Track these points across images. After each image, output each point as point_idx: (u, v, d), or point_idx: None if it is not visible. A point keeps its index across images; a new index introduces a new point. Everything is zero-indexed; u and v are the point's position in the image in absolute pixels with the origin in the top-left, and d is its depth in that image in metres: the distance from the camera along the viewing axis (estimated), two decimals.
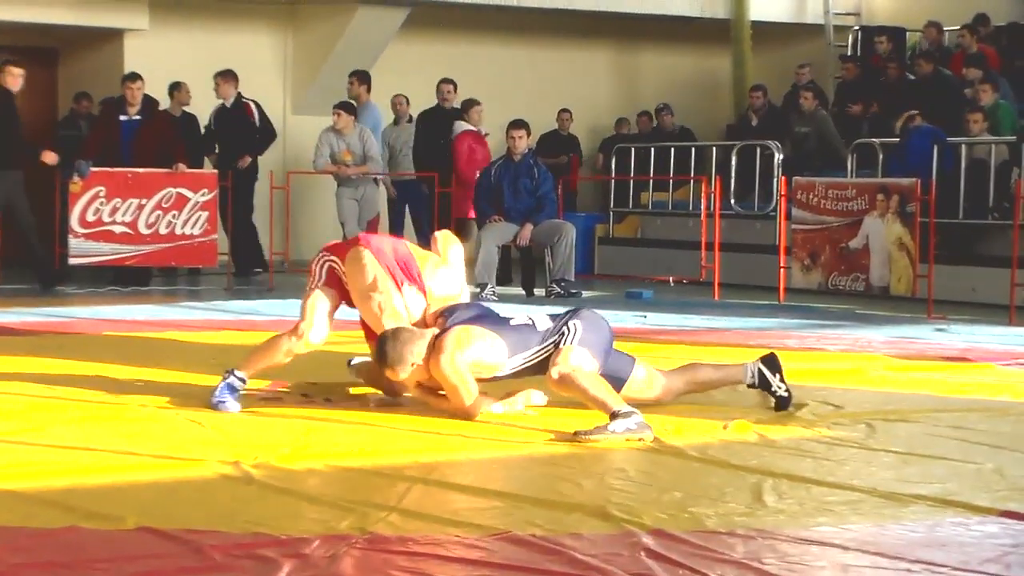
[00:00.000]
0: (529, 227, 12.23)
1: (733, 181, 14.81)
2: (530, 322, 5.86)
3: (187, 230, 12.86)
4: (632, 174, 15.86)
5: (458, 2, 16.33)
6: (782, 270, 12.36)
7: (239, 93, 14.00)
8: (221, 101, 14.03)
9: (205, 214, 12.91)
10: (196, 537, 3.83)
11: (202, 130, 14.78)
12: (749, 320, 10.58)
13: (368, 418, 5.80)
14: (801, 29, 18.56)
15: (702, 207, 13.49)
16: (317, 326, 6.12)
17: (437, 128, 13.98)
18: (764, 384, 6.07)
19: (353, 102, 14.07)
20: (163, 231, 12.82)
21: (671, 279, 13.47)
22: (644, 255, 14.99)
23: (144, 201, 12.75)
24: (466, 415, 5.74)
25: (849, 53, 17.40)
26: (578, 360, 5.65)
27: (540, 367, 5.77)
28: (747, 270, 13.70)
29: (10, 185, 12.15)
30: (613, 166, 15.98)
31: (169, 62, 14.90)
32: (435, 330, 5.81)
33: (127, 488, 4.51)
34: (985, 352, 8.63)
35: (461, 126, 13.76)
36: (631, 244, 15.63)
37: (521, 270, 12.83)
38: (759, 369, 6.08)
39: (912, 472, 5.01)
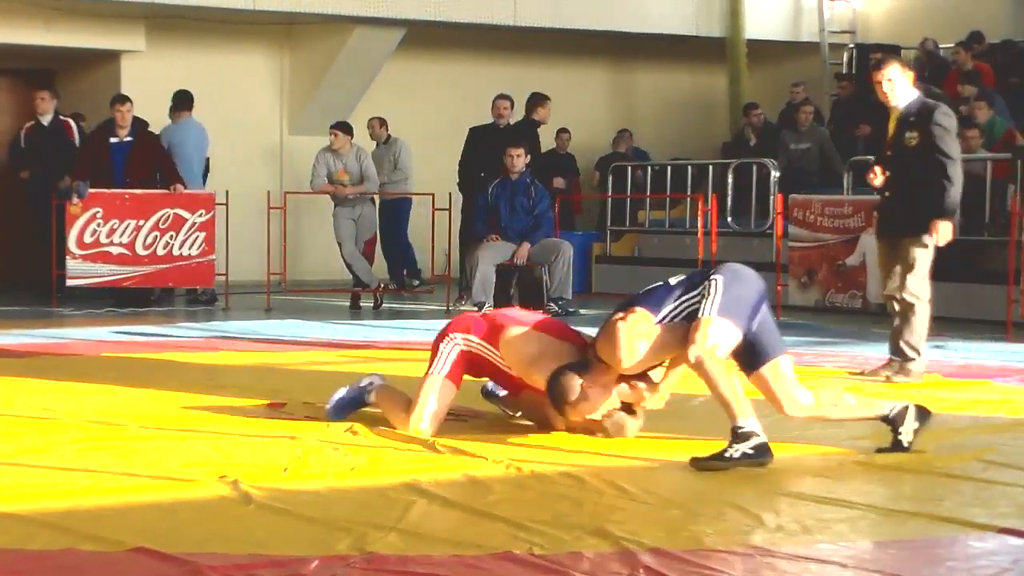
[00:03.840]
0: (526, 246, 12.24)
1: (730, 199, 14.84)
2: (662, 283, 5.70)
3: (184, 251, 12.88)
4: (629, 192, 15.88)
5: (455, 21, 16.37)
6: (779, 287, 12.37)
7: (57, 111, 13.79)
8: (35, 118, 13.79)
9: (202, 235, 12.92)
10: (194, 558, 3.83)
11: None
12: None
13: (367, 438, 5.79)
14: (796, 47, 18.61)
15: (699, 225, 13.50)
16: (428, 417, 5.86)
17: (488, 146, 13.20)
18: (897, 421, 5.56)
19: (348, 121, 14.07)
20: (160, 252, 12.84)
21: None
22: (641, 273, 14.97)
23: (141, 222, 12.76)
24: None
25: (844, 71, 17.44)
26: (717, 335, 5.36)
27: (690, 318, 5.48)
28: None
29: None
30: (610, 184, 16.00)
31: (166, 83, 14.91)
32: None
33: (125, 509, 4.50)
34: (982, 368, 8.64)
35: None
36: (628, 263, 15.64)
37: (518, 289, 12.83)
38: (907, 408, 5.60)
39: (910, 489, 5.01)
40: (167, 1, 15.17)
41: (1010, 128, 13.62)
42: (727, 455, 5.17)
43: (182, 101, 13.96)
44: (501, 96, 13.53)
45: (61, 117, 13.87)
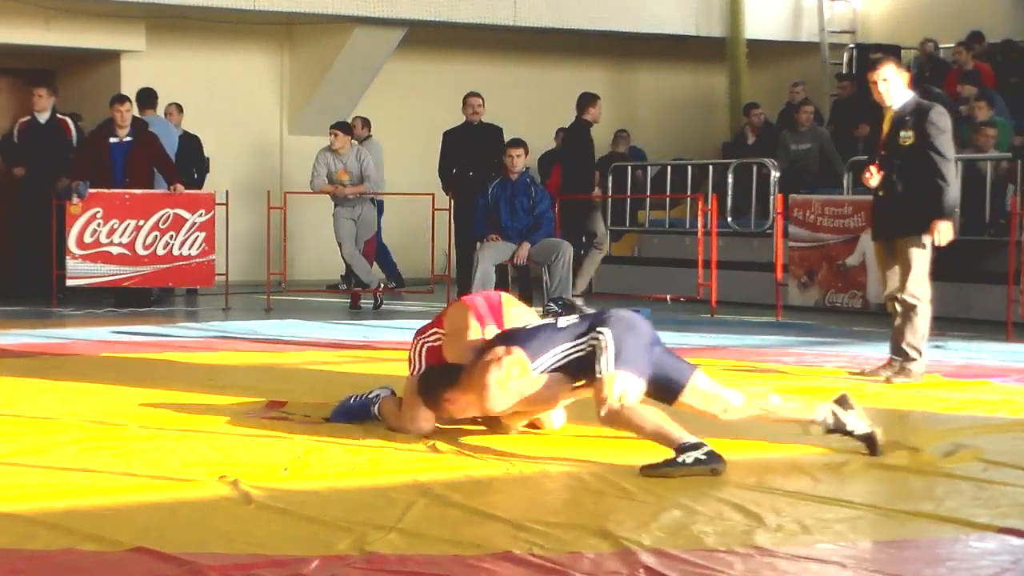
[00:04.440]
0: (526, 246, 12.25)
1: (730, 199, 14.84)
2: (552, 322, 5.68)
3: (184, 251, 12.88)
4: (629, 192, 15.88)
5: (455, 21, 16.37)
6: (779, 287, 12.37)
7: (55, 109, 13.75)
8: (32, 114, 13.73)
9: (202, 235, 12.92)
10: (194, 558, 3.83)
11: (204, 151, 14.81)
12: (746, 338, 10.58)
13: (367, 438, 5.79)
14: (796, 47, 18.62)
15: (699, 225, 13.50)
16: (418, 419, 5.88)
17: (466, 146, 13.36)
18: (840, 425, 5.51)
19: (348, 121, 14.08)
20: (160, 252, 12.84)
21: (668, 297, 13.49)
22: (641, 273, 15.00)
23: (141, 222, 12.76)
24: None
25: (844, 71, 17.44)
26: (622, 387, 5.33)
27: (577, 367, 5.46)
28: (744, 288, 13.72)
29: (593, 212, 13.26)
30: (610, 184, 15.99)
31: (166, 83, 14.93)
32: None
33: (125, 509, 4.50)
34: (982, 368, 8.64)
35: None
36: (628, 262, 15.65)
37: (518, 289, 12.84)
38: (833, 409, 5.55)
39: (911, 489, 5.01)
40: (167, 1, 15.17)
41: (1012, 141, 13.63)
42: (679, 460, 5.09)
43: (146, 99, 13.89)
44: (473, 94, 13.57)
45: (59, 116, 13.84)
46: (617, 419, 5.30)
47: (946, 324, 10.93)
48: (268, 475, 4.99)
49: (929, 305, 7.97)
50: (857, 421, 5.54)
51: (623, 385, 5.33)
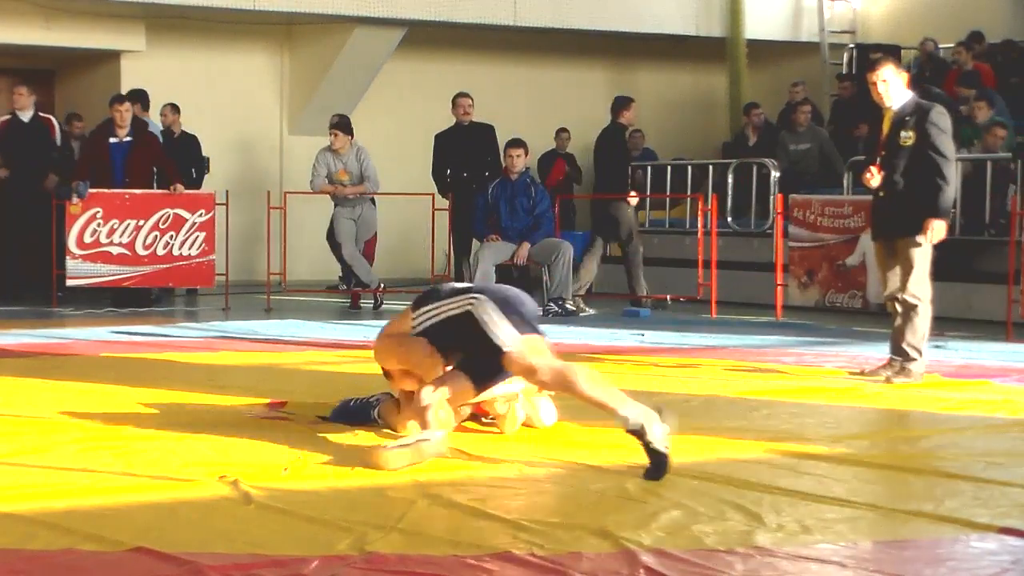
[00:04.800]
0: (526, 246, 12.25)
1: (730, 199, 14.84)
2: (452, 282, 6.00)
3: (184, 251, 12.88)
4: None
5: (455, 21, 16.37)
6: (779, 287, 12.37)
7: (37, 108, 13.68)
8: (12, 113, 13.60)
9: (202, 235, 12.92)
10: (194, 558, 3.83)
11: (203, 151, 14.80)
12: (746, 338, 10.59)
13: (367, 438, 5.79)
14: (796, 47, 18.61)
15: (699, 225, 13.51)
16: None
17: (458, 147, 13.36)
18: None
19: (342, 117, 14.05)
20: (160, 252, 12.84)
21: (668, 297, 13.49)
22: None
23: (141, 222, 12.76)
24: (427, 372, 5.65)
25: (844, 71, 17.44)
26: (538, 347, 5.42)
27: (445, 328, 5.60)
28: (744, 288, 13.72)
29: (629, 213, 13.27)
30: None
31: (166, 83, 14.92)
32: None
33: (125, 509, 4.50)
34: (982, 368, 8.65)
35: None
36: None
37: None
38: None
39: (911, 489, 5.01)
40: (167, 1, 15.16)
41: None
42: (668, 456, 4.96)
43: (137, 101, 13.84)
44: (462, 94, 13.56)
45: (41, 115, 13.79)
46: (560, 379, 5.28)
47: (946, 324, 10.93)
48: (268, 475, 4.99)
49: (929, 305, 7.97)
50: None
51: (537, 346, 5.45)
